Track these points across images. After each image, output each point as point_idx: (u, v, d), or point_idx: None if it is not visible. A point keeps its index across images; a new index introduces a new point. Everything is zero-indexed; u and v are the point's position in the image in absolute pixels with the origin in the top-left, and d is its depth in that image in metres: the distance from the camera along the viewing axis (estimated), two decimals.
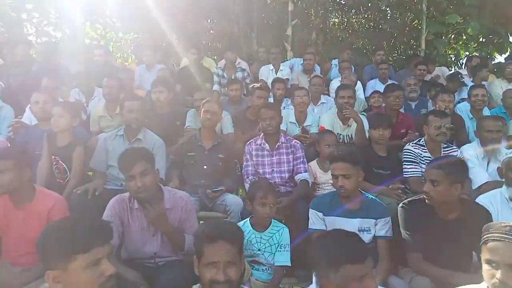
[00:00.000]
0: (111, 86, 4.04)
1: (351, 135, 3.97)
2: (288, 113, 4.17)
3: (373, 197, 2.57)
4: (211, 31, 9.39)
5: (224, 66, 5.93)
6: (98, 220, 1.45)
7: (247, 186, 3.20)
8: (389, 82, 6.03)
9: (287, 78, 5.86)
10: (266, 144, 3.21)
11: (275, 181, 3.13)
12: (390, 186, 2.97)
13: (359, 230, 2.43)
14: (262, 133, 3.27)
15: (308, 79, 5.92)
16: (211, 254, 1.49)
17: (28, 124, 3.68)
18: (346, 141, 3.97)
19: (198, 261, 1.54)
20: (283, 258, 2.32)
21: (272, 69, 5.94)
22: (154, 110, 4.14)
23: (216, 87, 5.76)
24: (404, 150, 3.26)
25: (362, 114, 4.82)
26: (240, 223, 2.41)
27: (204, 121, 3.19)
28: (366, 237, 2.45)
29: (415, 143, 3.26)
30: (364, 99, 5.44)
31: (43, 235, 1.35)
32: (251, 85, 4.26)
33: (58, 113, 3.07)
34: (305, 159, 3.21)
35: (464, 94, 5.53)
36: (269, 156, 3.20)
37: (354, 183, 2.36)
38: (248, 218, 2.45)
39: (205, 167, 3.20)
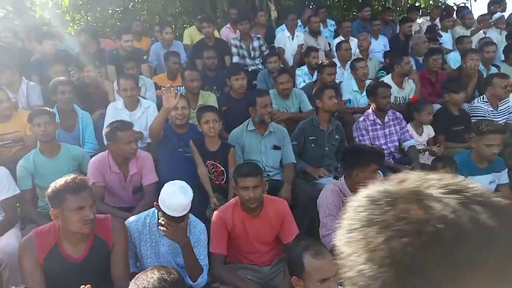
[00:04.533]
0: (195, 79, 4.03)
1: (405, 97, 4.63)
2: (350, 83, 4.63)
3: None
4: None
5: (240, 36, 5.97)
6: None
7: None
8: (380, 37, 6.77)
9: (302, 44, 6.17)
10: (378, 119, 3.71)
11: (391, 151, 3.69)
12: None
13: (489, 183, 3.18)
14: (371, 110, 3.74)
15: (316, 41, 6.33)
16: None
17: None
18: (401, 103, 4.61)
19: None
20: None
21: (289, 36, 6.15)
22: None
23: (235, 59, 5.84)
24: (474, 107, 4.04)
25: (381, 74, 5.52)
26: None
27: (333, 106, 3.51)
28: (492, 188, 3.21)
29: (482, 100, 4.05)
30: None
31: None
32: (320, 62, 4.55)
33: (213, 119, 3.13)
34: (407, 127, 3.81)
35: None
36: (382, 129, 3.71)
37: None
38: None
39: (326, 149, 3.60)
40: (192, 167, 3.25)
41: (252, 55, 5.93)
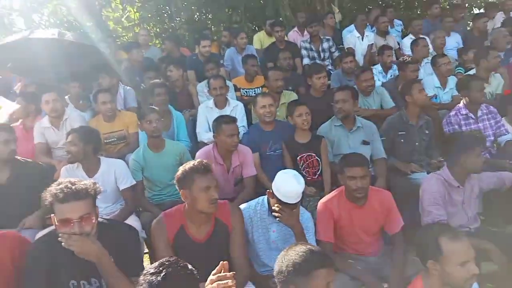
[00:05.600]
0: (279, 78, 4.17)
1: (493, 92, 4.46)
2: (432, 79, 4.54)
3: None
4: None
5: (309, 38, 6.07)
6: None
7: None
8: (452, 34, 6.53)
9: (372, 44, 6.15)
10: (471, 113, 3.62)
11: (486, 146, 3.57)
12: None
13: None
14: (463, 104, 3.66)
15: (385, 41, 6.27)
16: None
17: None
18: (488, 98, 4.43)
19: None
20: None
21: (358, 36, 6.16)
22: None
23: (306, 60, 5.95)
24: None
25: (459, 71, 5.34)
26: None
27: (425, 99, 3.49)
28: None
29: None
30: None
31: None
32: (401, 58, 4.53)
33: (305, 111, 3.29)
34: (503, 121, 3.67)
35: None
36: (475, 123, 3.61)
37: None
38: None
39: (417, 144, 3.56)
40: (280, 164, 3.39)
41: (322, 56, 6.01)
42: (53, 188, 1.88)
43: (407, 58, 4.45)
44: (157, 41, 9.76)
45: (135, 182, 3.13)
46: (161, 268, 1.40)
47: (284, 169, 3.26)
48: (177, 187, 2.24)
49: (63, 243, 1.86)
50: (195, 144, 4.06)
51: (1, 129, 2.89)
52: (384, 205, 2.59)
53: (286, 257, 1.60)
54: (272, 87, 4.20)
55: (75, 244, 1.84)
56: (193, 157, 3.43)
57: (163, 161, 3.32)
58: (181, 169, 2.22)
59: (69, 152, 2.98)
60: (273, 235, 2.54)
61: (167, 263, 1.43)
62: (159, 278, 1.37)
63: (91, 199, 1.93)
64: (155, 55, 6.16)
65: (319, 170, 3.30)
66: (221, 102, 4.07)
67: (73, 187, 1.87)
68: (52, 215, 1.92)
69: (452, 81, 4.54)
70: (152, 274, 1.39)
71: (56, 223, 1.88)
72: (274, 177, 3.18)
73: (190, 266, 1.50)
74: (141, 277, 1.41)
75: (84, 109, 4.48)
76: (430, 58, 5.30)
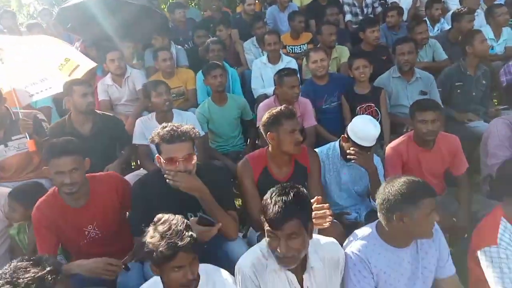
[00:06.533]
0: (333, 33, 4.20)
1: None
2: (485, 30, 4.45)
3: None
4: None
5: None
6: None
7: None
8: None
9: None
10: None
11: None
12: None
13: None
14: None
15: None
16: None
17: None
18: None
19: None
20: None
21: None
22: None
23: (348, 17, 5.87)
24: None
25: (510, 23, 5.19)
26: None
27: (486, 50, 3.50)
28: None
29: None
30: None
31: None
32: (456, 9, 4.46)
33: (363, 64, 3.39)
34: None
35: None
36: None
37: None
38: None
39: (473, 94, 3.59)
40: (337, 116, 3.53)
41: (365, 12, 5.90)
42: (160, 130, 2.07)
43: (462, 9, 4.37)
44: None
45: (204, 133, 3.31)
46: (286, 190, 1.57)
47: (342, 120, 3.47)
48: (262, 131, 2.40)
49: (168, 180, 2.06)
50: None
51: (79, 83, 3.07)
52: (451, 149, 2.69)
53: (393, 187, 1.73)
54: (325, 42, 4.23)
55: (181, 180, 2.04)
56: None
57: (227, 114, 3.48)
58: (267, 114, 2.36)
59: (167, 100, 3.15)
60: (344, 177, 2.71)
61: (288, 187, 1.60)
62: (291, 196, 1.54)
63: (192, 141, 2.11)
64: (196, 16, 6.21)
65: (379, 120, 3.40)
66: (275, 57, 4.16)
67: (179, 129, 2.05)
68: (157, 155, 2.12)
69: (506, 32, 4.46)
70: (280, 194, 1.56)
71: (163, 162, 2.07)
72: (333, 130, 3.41)
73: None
74: (267, 199, 1.58)
75: (139, 68, 4.64)
76: (478, 11, 5.19)
